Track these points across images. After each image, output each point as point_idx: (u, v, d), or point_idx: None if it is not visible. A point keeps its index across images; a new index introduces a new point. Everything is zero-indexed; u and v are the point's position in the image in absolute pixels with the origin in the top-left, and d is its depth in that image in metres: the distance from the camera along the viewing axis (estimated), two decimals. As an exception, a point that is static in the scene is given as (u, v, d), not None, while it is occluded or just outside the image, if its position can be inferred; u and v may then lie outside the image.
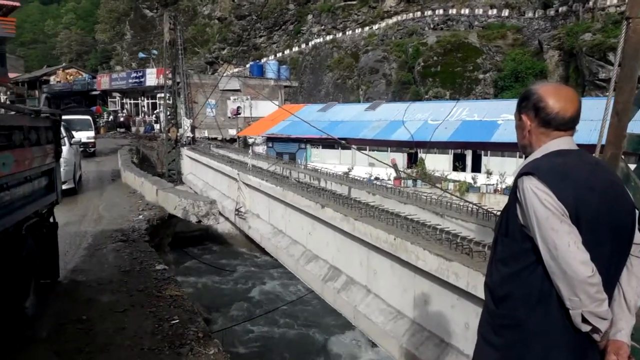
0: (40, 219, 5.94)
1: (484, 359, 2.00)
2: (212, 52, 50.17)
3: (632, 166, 3.75)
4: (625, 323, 1.87)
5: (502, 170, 18.24)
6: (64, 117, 22.70)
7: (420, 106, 25.37)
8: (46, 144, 5.79)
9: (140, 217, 10.63)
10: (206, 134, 30.79)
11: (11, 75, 39.67)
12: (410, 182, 18.54)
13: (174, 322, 5.25)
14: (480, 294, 3.85)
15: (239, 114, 32.54)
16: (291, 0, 48.77)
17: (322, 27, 45.70)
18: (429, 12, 39.02)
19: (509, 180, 16.66)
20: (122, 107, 40.88)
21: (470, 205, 8.07)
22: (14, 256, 4.70)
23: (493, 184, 18.28)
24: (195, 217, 10.28)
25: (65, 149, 12.18)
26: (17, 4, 24.12)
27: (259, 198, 11.91)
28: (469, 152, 20.65)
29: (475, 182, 18.94)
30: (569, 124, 1.92)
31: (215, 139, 30.80)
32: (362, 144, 22.08)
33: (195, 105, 29.11)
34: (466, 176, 19.52)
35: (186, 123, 25.37)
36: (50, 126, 6.07)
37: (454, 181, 18.96)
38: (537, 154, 1.94)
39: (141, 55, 47.87)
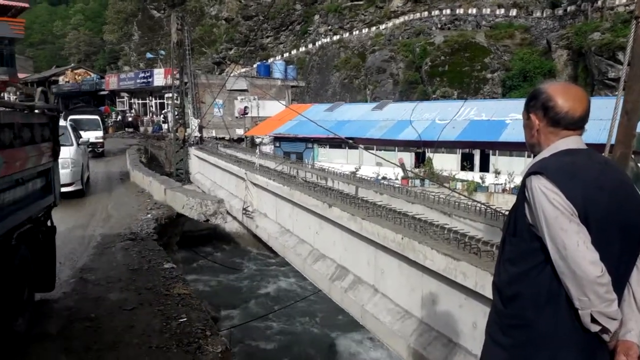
0: (35, 224, 5.28)
1: (492, 359, 1.99)
2: (220, 53, 50.27)
3: (642, 165, 3.73)
4: (635, 323, 1.85)
5: (510, 169, 18.19)
6: (72, 117, 22.62)
7: (428, 106, 25.32)
8: (42, 142, 5.21)
9: (149, 216, 10.66)
10: (214, 134, 30.92)
11: (20, 75, 39.99)
12: (417, 181, 18.51)
13: (181, 320, 5.25)
14: (488, 293, 3.84)
15: (246, 113, 32.62)
16: (298, 1, 48.78)
17: (329, 27, 45.66)
18: (436, 12, 38.88)
19: (517, 180, 16.59)
20: (130, 107, 41.15)
21: (479, 204, 8.00)
22: (4, 267, 4.19)
23: (501, 184, 18.23)
24: (203, 216, 10.30)
25: (72, 149, 12.10)
26: (26, 5, 24.35)
27: (267, 197, 11.92)
28: (477, 151, 20.59)
29: (483, 182, 18.90)
30: (578, 124, 1.92)
31: (223, 138, 30.92)
32: (370, 144, 22.07)
33: (203, 105, 29.23)
34: (474, 176, 19.47)
35: (194, 123, 25.50)
36: (47, 123, 5.49)
37: (462, 181, 18.93)
38: (545, 153, 1.93)
39: (149, 55, 48.21)
